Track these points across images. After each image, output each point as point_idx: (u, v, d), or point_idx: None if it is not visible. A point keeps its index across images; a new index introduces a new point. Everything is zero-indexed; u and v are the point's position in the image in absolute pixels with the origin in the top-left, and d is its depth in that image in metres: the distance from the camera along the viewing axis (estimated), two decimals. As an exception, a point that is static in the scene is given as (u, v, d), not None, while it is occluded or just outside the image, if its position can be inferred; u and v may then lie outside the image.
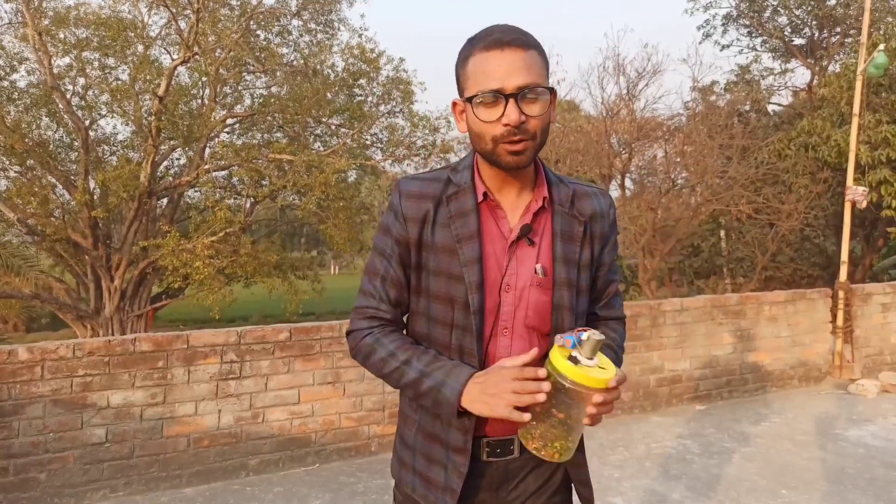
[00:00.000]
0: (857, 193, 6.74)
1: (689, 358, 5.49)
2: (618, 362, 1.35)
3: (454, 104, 1.32)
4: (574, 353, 1.12)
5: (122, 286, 12.56)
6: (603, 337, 1.14)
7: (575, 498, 1.48)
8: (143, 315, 13.18)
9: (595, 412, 1.15)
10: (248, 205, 13.47)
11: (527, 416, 1.14)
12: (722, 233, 14.61)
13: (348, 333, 1.39)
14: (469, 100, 1.22)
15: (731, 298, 5.80)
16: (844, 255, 6.87)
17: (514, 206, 1.32)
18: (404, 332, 1.41)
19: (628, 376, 5.23)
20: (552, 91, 1.23)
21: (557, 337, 1.17)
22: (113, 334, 12.14)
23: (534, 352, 1.20)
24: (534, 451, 1.19)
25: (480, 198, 1.30)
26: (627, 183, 12.75)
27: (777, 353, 5.93)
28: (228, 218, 11.48)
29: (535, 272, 1.29)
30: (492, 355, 1.30)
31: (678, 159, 11.76)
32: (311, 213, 12.56)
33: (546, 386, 1.13)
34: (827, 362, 6.23)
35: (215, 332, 3.95)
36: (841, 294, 6.31)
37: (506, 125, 1.19)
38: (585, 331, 1.14)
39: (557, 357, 1.13)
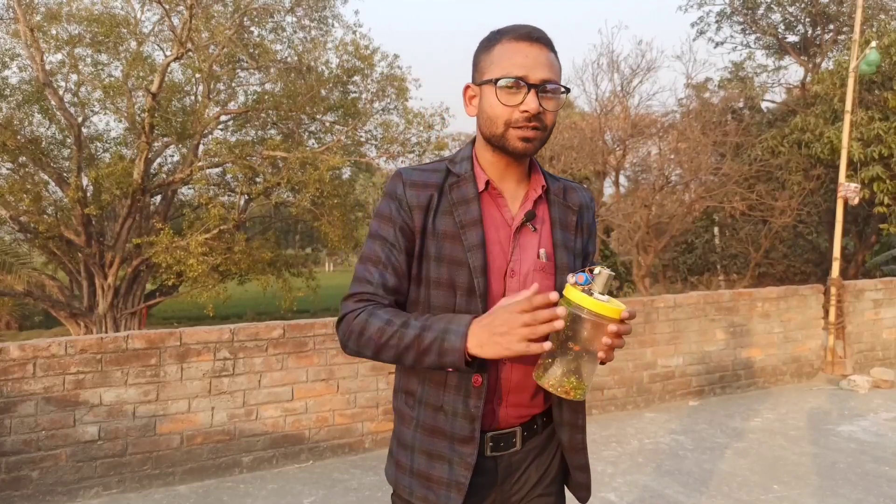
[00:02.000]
0: (849, 190, 6.77)
1: (682, 354, 5.51)
2: None
3: (466, 87, 1.36)
4: (589, 287, 1.15)
5: (115, 284, 12.51)
6: (613, 273, 1.16)
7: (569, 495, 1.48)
8: (136, 312, 13.13)
9: (610, 343, 1.14)
10: (242, 202, 13.41)
11: (548, 345, 1.12)
12: (715, 229, 14.65)
13: (339, 321, 1.32)
14: (491, 82, 1.25)
15: (725, 295, 5.82)
16: (837, 252, 6.90)
17: (514, 195, 1.36)
18: None
19: (621, 372, 5.25)
20: (567, 90, 1.31)
21: (569, 276, 1.18)
22: (106, 332, 12.10)
23: (534, 287, 1.15)
24: (549, 389, 1.19)
25: (482, 186, 1.33)
26: (622, 180, 12.78)
27: (770, 349, 5.96)
28: (222, 215, 11.44)
29: (539, 257, 1.32)
30: None
31: (672, 156, 11.78)
32: (305, 210, 12.53)
33: (561, 310, 1.11)
34: (819, 358, 6.26)
35: (208, 330, 3.94)
36: (833, 290, 6.34)
37: (524, 111, 1.23)
38: (596, 267, 1.17)
39: (573, 292, 1.14)
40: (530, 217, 1.33)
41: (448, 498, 1.27)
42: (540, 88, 1.24)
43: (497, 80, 1.24)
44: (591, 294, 1.14)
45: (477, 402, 1.26)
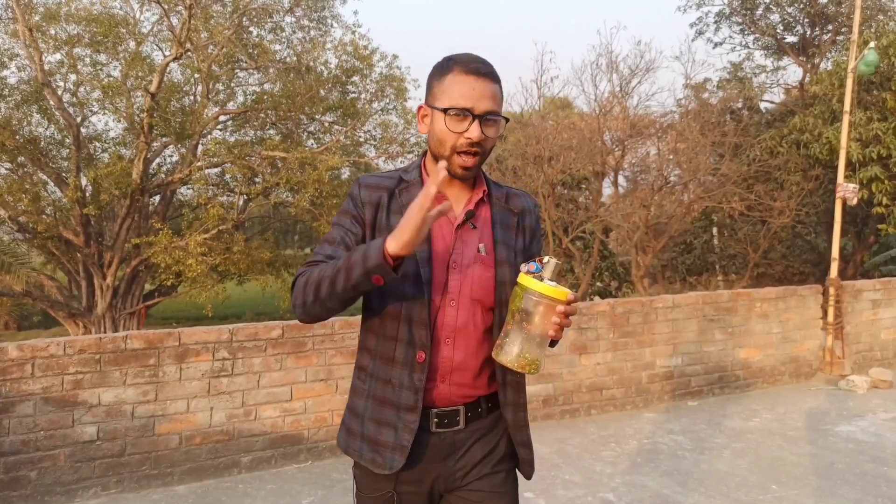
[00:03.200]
0: (847, 190, 6.78)
1: (680, 354, 5.52)
2: None
3: (419, 108, 1.53)
4: (539, 274, 1.34)
5: (114, 284, 12.50)
6: (559, 262, 1.36)
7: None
8: (135, 313, 13.12)
9: (558, 322, 1.32)
10: (240, 202, 13.40)
11: (431, 213, 1.25)
12: (714, 230, 14.65)
13: (292, 287, 1.47)
14: (443, 110, 1.43)
15: (723, 295, 5.82)
16: (835, 252, 6.91)
17: (459, 198, 1.53)
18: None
19: (620, 373, 5.25)
20: (506, 119, 1.50)
21: (523, 265, 1.38)
22: (105, 332, 12.09)
23: (431, 185, 1.27)
24: (507, 365, 1.36)
25: None
26: (620, 180, 12.78)
27: (768, 350, 5.96)
28: (221, 215, 11.44)
29: (479, 251, 1.50)
30: (440, 324, 1.47)
31: (671, 156, 11.78)
32: (304, 210, 12.52)
33: (443, 172, 1.27)
34: (817, 358, 6.27)
35: (207, 330, 3.94)
36: (832, 290, 6.35)
37: (468, 138, 1.42)
38: (545, 257, 1.37)
39: (526, 278, 1.34)
40: (470, 216, 1.51)
41: (392, 460, 1.44)
42: (483, 119, 1.42)
43: (446, 109, 1.42)
44: (541, 280, 1.33)
45: (420, 375, 1.44)
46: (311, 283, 1.40)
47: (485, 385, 1.52)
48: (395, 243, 1.27)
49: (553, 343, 1.43)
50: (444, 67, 1.46)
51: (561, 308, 1.31)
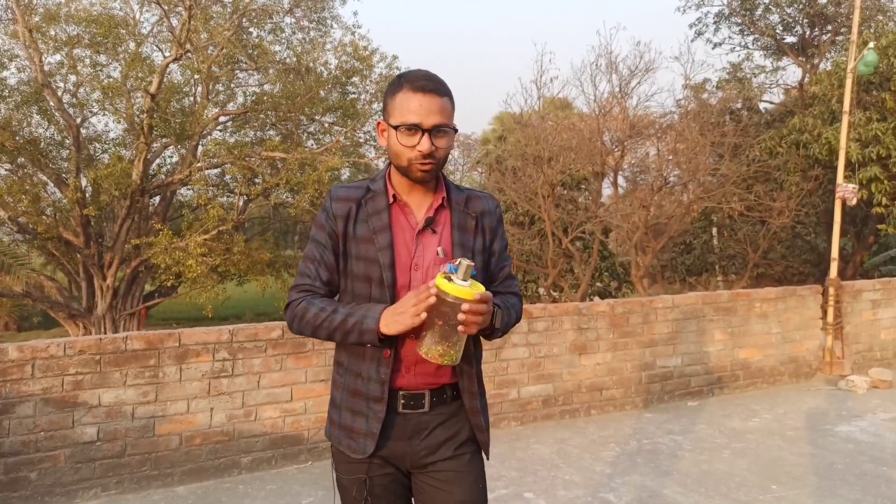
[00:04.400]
0: (847, 191, 6.78)
1: (680, 354, 5.52)
2: (508, 318, 1.68)
3: (379, 124, 1.68)
4: (451, 276, 1.45)
5: (114, 284, 12.51)
6: (472, 263, 1.46)
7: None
8: (135, 313, 13.12)
9: (465, 318, 1.44)
10: (240, 203, 13.41)
11: (424, 315, 1.46)
12: (714, 230, 14.65)
13: (286, 307, 1.68)
14: (394, 127, 1.57)
15: (723, 295, 5.83)
16: (835, 252, 6.91)
17: (420, 205, 1.68)
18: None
19: (620, 373, 5.26)
20: (455, 129, 1.63)
21: (441, 266, 1.52)
22: (105, 333, 12.08)
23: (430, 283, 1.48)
24: (425, 356, 1.50)
25: (391, 199, 1.66)
26: (620, 181, 12.77)
27: (768, 350, 5.97)
28: (221, 216, 11.44)
29: (437, 253, 1.64)
30: None
31: (670, 157, 11.77)
32: (304, 211, 12.52)
33: (434, 289, 1.44)
34: (817, 358, 6.27)
35: (207, 331, 3.94)
36: (831, 291, 6.35)
37: (419, 151, 1.56)
38: (459, 259, 1.47)
39: (440, 279, 1.45)
40: (429, 222, 1.65)
41: (364, 445, 1.62)
42: (432, 132, 1.55)
43: (397, 126, 1.56)
44: (450, 280, 1.44)
45: (386, 369, 1.61)
46: (307, 326, 1.62)
47: (448, 374, 1.67)
48: (387, 329, 1.51)
49: (488, 336, 1.62)
50: (395, 86, 1.61)
51: (466, 306, 1.43)
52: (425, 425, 1.65)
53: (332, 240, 1.66)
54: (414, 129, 1.55)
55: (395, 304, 1.54)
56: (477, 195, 1.76)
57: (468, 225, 1.70)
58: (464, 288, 1.43)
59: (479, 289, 1.47)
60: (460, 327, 1.46)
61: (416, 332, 1.54)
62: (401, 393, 1.63)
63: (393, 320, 1.50)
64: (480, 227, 1.71)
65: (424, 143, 1.55)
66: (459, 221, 1.68)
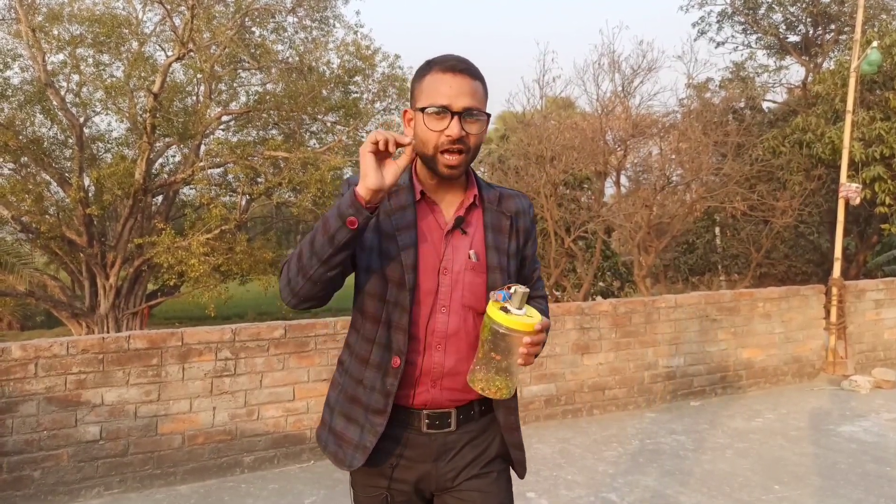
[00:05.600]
0: (850, 190, 6.77)
1: (683, 354, 5.51)
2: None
3: (405, 112, 1.52)
4: (505, 305, 1.33)
5: (117, 284, 12.53)
6: (528, 289, 1.33)
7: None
8: (138, 313, 13.14)
9: (526, 352, 1.33)
10: (243, 202, 13.43)
11: (377, 145, 1.29)
12: (717, 230, 14.62)
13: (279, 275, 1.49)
14: (421, 109, 1.42)
15: (726, 295, 5.82)
16: (838, 252, 6.89)
17: (450, 203, 1.52)
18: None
19: (622, 373, 5.25)
20: (488, 116, 1.47)
21: (492, 294, 1.37)
22: (108, 332, 12.11)
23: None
24: (480, 391, 1.38)
25: (418, 196, 1.50)
26: (623, 180, 12.75)
27: (771, 350, 5.96)
28: (224, 215, 11.46)
29: (469, 257, 1.49)
30: (431, 330, 1.47)
31: (673, 156, 11.75)
32: (307, 210, 12.54)
33: (402, 161, 1.32)
34: (820, 358, 6.26)
35: (210, 330, 3.95)
36: (834, 290, 6.33)
37: (448, 136, 1.39)
38: (513, 286, 1.35)
39: (493, 309, 1.33)
40: (460, 222, 1.50)
41: (353, 458, 1.47)
42: (463, 115, 1.39)
43: (425, 108, 1.41)
44: (507, 311, 1.32)
45: (393, 380, 1.44)
46: (293, 257, 1.42)
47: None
48: (361, 187, 1.30)
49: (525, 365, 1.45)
50: (424, 70, 1.47)
51: (527, 339, 1.32)
52: (452, 445, 1.51)
53: None
54: (443, 111, 1.39)
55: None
56: (510, 193, 1.62)
57: (502, 225, 1.55)
58: (522, 319, 1.31)
59: (536, 316, 1.34)
60: (519, 360, 1.35)
61: (443, 343, 1.45)
62: (425, 413, 1.48)
63: (361, 175, 1.32)
64: (515, 228, 1.56)
65: (454, 127, 1.38)
66: (493, 222, 1.54)
